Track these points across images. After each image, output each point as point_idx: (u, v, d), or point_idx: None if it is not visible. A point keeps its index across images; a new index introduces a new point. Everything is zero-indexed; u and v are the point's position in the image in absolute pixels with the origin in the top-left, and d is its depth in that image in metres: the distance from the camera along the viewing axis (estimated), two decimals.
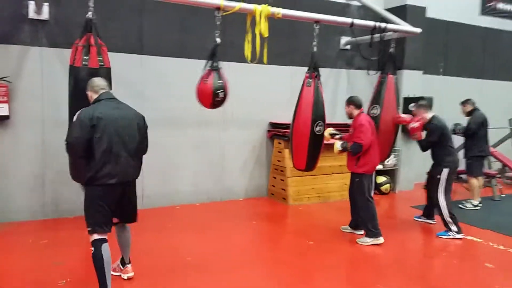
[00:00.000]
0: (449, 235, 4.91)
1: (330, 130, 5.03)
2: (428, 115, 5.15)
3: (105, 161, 3.05)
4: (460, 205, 6.29)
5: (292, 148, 5.22)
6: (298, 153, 5.15)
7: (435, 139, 5.04)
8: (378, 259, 4.38)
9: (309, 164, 5.16)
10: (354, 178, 4.78)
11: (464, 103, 6.49)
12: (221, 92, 4.48)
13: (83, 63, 3.73)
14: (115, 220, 3.34)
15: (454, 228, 4.92)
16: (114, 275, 3.56)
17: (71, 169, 3.83)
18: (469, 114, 6.40)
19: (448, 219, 4.94)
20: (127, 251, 3.59)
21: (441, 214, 5.01)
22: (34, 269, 3.75)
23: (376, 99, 5.56)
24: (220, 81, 4.48)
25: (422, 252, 4.84)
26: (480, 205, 6.33)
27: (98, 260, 3.03)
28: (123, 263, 3.62)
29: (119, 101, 3.34)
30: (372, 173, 4.86)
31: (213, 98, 4.48)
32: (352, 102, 4.79)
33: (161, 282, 3.58)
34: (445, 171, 4.99)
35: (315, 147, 5.04)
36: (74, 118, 3.11)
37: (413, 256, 4.60)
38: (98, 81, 3.34)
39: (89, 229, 3.11)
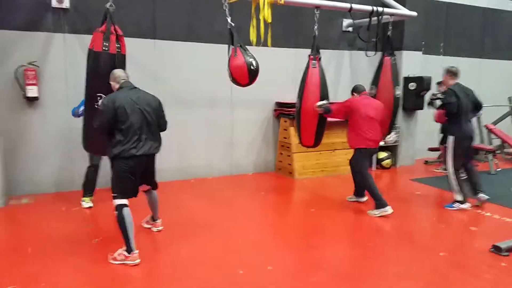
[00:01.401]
0: (454, 207, 5.17)
1: (320, 102, 5.30)
2: (452, 82, 5.09)
3: (130, 138, 3.52)
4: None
5: (299, 126, 5.53)
6: (306, 131, 5.49)
7: (452, 105, 4.93)
8: (373, 224, 4.77)
9: (317, 141, 5.57)
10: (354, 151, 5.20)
11: (439, 83, 6.73)
12: (253, 60, 4.59)
13: (104, 48, 4.03)
14: (144, 188, 3.96)
15: (459, 197, 5.13)
16: (146, 227, 4.34)
17: (86, 141, 4.31)
18: None
19: (455, 188, 5.14)
20: (155, 210, 4.25)
21: (449, 182, 5.21)
22: (70, 231, 4.27)
23: (375, 79, 5.93)
24: (249, 53, 4.63)
25: (414, 218, 5.21)
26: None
27: (121, 221, 3.49)
28: (153, 219, 4.30)
29: (138, 88, 3.78)
30: (366, 148, 5.02)
31: (248, 69, 4.52)
32: (355, 90, 5.20)
33: (181, 239, 4.07)
34: (451, 139, 5.10)
35: (322, 125, 5.45)
36: (100, 104, 3.61)
37: (405, 222, 4.96)
38: (119, 73, 3.79)
39: (114, 195, 3.60)
